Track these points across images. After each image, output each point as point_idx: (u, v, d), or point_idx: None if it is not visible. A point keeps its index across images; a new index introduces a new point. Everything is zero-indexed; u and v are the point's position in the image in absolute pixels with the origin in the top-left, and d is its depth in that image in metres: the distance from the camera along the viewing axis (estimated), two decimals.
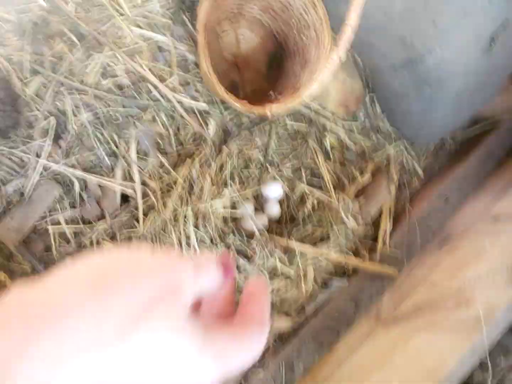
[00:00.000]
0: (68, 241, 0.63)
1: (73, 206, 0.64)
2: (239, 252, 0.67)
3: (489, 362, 0.61)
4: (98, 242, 0.63)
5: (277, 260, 0.68)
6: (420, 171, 0.90)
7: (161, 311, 0.18)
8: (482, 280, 0.66)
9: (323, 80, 0.39)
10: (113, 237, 0.63)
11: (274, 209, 0.76)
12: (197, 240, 0.55)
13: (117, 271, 0.19)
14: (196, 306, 0.25)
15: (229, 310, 0.25)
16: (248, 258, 0.67)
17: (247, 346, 0.22)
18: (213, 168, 0.60)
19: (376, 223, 0.82)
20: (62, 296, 0.18)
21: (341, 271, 0.79)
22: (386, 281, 0.78)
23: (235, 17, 0.77)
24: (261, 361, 0.71)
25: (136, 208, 0.62)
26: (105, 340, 0.17)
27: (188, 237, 0.55)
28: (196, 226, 0.57)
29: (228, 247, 0.63)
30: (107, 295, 0.18)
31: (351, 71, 0.81)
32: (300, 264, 0.71)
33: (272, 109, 0.53)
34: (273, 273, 0.70)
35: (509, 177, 0.84)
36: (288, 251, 0.72)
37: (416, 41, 0.68)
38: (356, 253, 0.78)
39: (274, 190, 0.75)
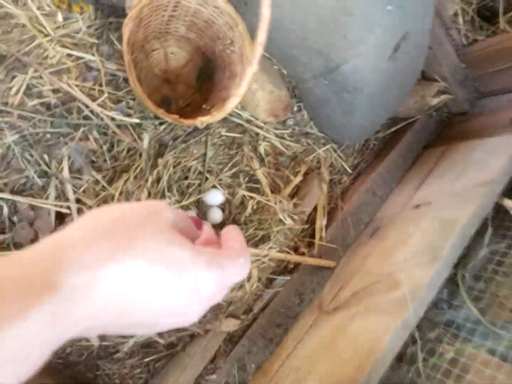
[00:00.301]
0: None
1: (2, 231, 0.62)
2: None
3: (417, 336, 0.68)
4: None
5: None
6: (349, 170, 0.97)
7: (151, 226, 0.24)
8: (408, 262, 0.73)
9: (242, 94, 0.43)
10: None
11: (216, 216, 0.79)
12: None
13: (132, 210, 0.25)
14: None
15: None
16: None
17: (235, 258, 0.27)
18: (150, 181, 0.62)
19: (312, 220, 0.88)
20: (125, 217, 0.25)
21: (284, 269, 0.84)
22: (325, 273, 0.83)
23: (163, 36, 0.80)
24: (213, 365, 0.73)
25: None
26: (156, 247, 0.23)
27: None
28: None
29: None
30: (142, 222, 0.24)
31: (277, 82, 0.87)
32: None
33: (201, 122, 0.57)
34: None
35: (427, 168, 0.94)
36: None
37: (331, 53, 0.75)
38: (296, 250, 0.83)
39: (215, 198, 0.78)
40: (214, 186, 0.80)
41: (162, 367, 0.75)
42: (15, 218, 0.63)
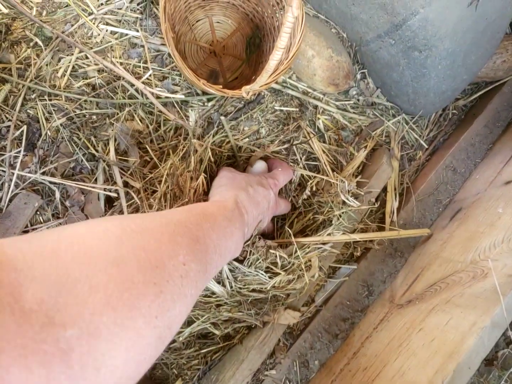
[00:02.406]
0: None
1: (57, 216, 0.64)
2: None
3: (511, 335, 0.59)
4: None
5: (277, 257, 0.67)
6: (424, 144, 0.88)
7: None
8: (497, 248, 0.64)
9: (282, 47, 0.38)
10: None
11: None
12: None
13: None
14: None
15: None
16: (241, 261, 0.66)
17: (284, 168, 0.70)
18: (193, 162, 0.59)
19: (381, 203, 0.81)
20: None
21: (350, 257, 0.78)
22: (398, 262, 0.77)
23: (208, 4, 0.77)
24: (272, 360, 0.70)
25: (122, 211, 0.62)
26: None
27: None
28: None
29: None
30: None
31: (336, 46, 0.80)
32: (301, 256, 0.69)
33: (246, 91, 0.53)
34: (272, 271, 0.68)
35: None
36: (287, 245, 0.71)
37: (397, 5, 0.67)
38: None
39: (259, 167, 0.72)
40: (261, 158, 0.76)
41: (219, 359, 0.74)
42: (67, 203, 0.65)
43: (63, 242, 0.26)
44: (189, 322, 0.71)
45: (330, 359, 0.71)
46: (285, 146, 0.77)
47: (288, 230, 0.70)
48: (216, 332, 0.71)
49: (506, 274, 0.58)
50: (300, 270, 0.69)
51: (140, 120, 0.66)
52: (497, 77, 0.90)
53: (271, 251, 0.65)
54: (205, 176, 0.61)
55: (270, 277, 0.66)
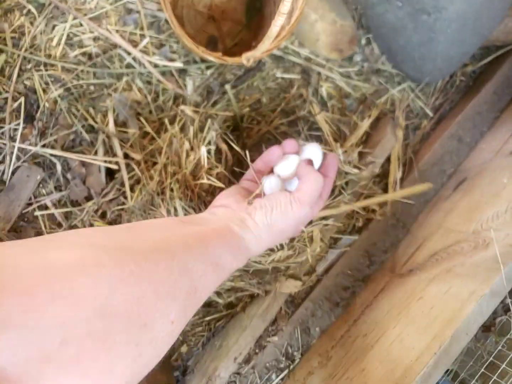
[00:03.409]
0: (59, 225, 0.65)
1: (59, 189, 0.65)
2: None
3: (510, 303, 0.61)
4: (90, 223, 0.64)
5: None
6: (429, 112, 0.88)
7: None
8: (501, 218, 0.65)
9: (285, 12, 0.38)
10: (103, 216, 0.64)
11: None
12: (184, 210, 0.55)
13: None
14: None
15: None
16: None
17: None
18: (191, 131, 0.59)
19: (385, 173, 0.81)
20: None
21: (352, 228, 0.79)
22: (400, 232, 0.78)
23: None
24: (274, 327, 0.73)
25: (122, 183, 0.63)
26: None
27: (176, 209, 0.56)
28: (181, 198, 0.57)
29: None
30: None
31: (340, 10, 0.78)
32: (304, 229, 0.70)
33: (247, 58, 0.52)
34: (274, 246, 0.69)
35: None
36: None
37: None
38: (365, 208, 0.78)
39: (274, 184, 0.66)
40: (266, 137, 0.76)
41: (222, 327, 0.76)
42: (68, 176, 0.66)
43: (47, 273, 0.21)
44: None
45: (331, 326, 0.73)
46: (290, 118, 0.76)
47: None
48: (220, 300, 0.74)
49: (508, 244, 0.59)
50: (302, 244, 0.70)
51: (138, 90, 0.66)
52: (508, 41, 0.88)
53: None
54: (209, 149, 0.60)
55: (268, 254, 0.68)
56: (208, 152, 0.58)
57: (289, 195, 0.43)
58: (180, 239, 0.32)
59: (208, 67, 0.72)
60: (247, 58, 0.52)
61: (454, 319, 0.56)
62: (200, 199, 0.59)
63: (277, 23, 0.40)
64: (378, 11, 0.77)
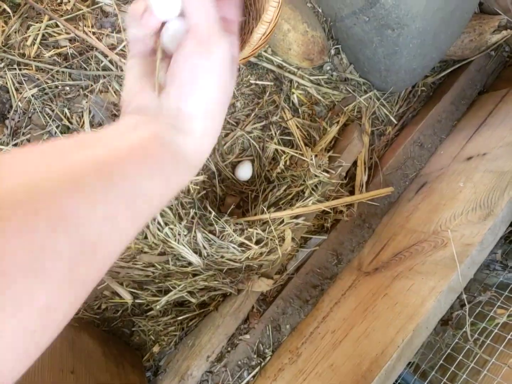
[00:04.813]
0: None
1: None
2: (211, 232, 0.68)
3: (465, 299, 0.65)
4: None
5: (253, 232, 0.70)
6: (393, 120, 0.92)
7: None
8: (458, 219, 0.69)
9: (268, 20, 0.39)
10: None
11: (245, 172, 0.77)
12: (161, 217, 0.56)
13: None
14: None
15: None
16: (216, 235, 0.68)
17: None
18: None
19: (351, 176, 0.84)
20: None
21: (321, 228, 0.82)
22: (366, 232, 0.81)
23: None
24: (246, 325, 0.74)
25: None
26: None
27: (154, 218, 0.56)
28: None
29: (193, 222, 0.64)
30: None
31: (311, 22, 0.81)
32: (274, 230, 0.72)
33: None
34: (246, 245, 0.71)
35: (482, 116, 0.87)
36: (261, 221, 0.73)
37: None
38: (333, 209, 0.80)
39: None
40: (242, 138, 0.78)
41: (195, 325, 0.77)
42: None
43: None
44: (165, 291, 0.73)
45: (300, 323, 0.75)
46: (263, 123, 0.78)
47: (263, 208, 0.72)
48: (192, 300, 0.74)
49: (463, 244, 0.63)
50: (274, 243, 0.72)
51: (114, 92, 0.66)
52: (464, 56, 0.94)
53: (249, 229, 0.67)
54: None
55: (243, 250, 0.69)
56: None
57: (189, 44, 0.28)
58: (61, 176, 0.20)
59: None
60: None
61: (416, 314, 0.60)
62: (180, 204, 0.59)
63: (260, 31, 0.41)
64: (346, 24, 0.80)
